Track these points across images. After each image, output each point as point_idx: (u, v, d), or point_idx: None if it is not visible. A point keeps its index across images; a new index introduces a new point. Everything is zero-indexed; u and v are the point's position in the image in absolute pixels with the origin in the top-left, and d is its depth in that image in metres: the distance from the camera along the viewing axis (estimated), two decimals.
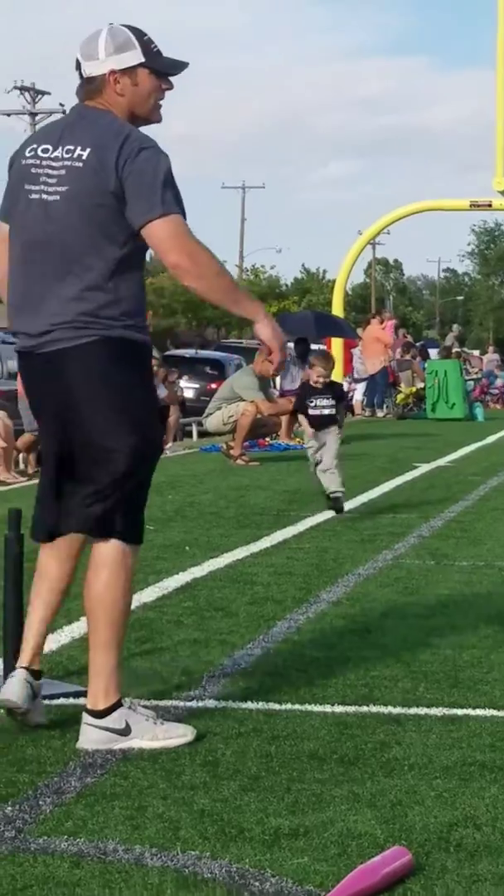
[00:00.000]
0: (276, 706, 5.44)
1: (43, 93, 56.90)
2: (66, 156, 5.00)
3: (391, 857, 3.71)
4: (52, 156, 5.03)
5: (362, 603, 7.74)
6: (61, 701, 5.56)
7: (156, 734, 4.95)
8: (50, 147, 5.06)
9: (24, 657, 5.21)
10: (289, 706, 5.48)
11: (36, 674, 5.19)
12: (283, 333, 5.16)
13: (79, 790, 4.44)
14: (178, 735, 4.97)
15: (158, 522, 11.17)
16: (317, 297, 75.28)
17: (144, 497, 5.21)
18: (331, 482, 11.50)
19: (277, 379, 23.31)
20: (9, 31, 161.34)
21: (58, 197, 4.99)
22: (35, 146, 5.11)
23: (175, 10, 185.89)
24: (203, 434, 23.93)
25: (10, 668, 5.69)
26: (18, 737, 5.05)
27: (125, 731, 4.95)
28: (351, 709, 5.42)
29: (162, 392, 22.95)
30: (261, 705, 5.50)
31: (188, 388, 29.95)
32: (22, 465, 18.57)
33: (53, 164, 5.02)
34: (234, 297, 5.12)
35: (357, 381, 32.34)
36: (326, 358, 12.52)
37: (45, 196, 5.01)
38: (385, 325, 33.95)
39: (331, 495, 11.48)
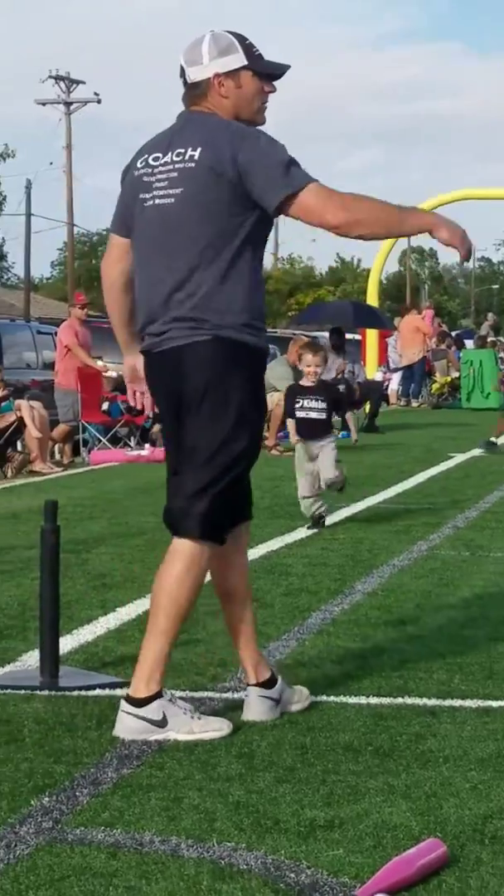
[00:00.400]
0: (312, 697, 5.45)
1: (78, 82, 56.92)
2: (176, 159, 5.05)
3: (426, 848, 3.73)
4: (163, 161, 5.09)
5: (397, 594, 7.75)
6: (97, 692, 5.59)
7: (192, 728, 4.97)
8: (160, 154, 5.12)
9: (249, 675, 5.26)
10: (324, 697, 5.49)
11: (267, 683, 5.24)
12: (458, 228, 5.15)
13: (115, 781, 4.47)
14: (214, 729, 4.99)
15: None
16: (351, 286, 75.17)
17: (231, 497, 5.20)
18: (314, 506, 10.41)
19: None
20: (43, 20, 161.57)
21: (172, 200, 5.04)
22: (146, 156, 5.17)
23: None
24: None
25: (45, 659, 5.73)
26: (55, 728, 5.08)
27: (162, 723, 4.97)
28: (386, 700, 5.43)
29: None
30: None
31: None
32: (58, 456, 18.63)
33: (164, 169, 5.08)
34: (400, 222, 5.13)
35: (393, 370, 32.29)
36: (316, 347, 10.98)
37: (158, 201, 5.08)
38: (424, 314, 33.90)
39: (315, 514, 10.42)
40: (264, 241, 5.16)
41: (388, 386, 30.83)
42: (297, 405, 10.37)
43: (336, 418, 10.88)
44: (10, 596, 7.68)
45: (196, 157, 5.00)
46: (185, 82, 5.22)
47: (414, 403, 31.57)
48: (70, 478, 15.85)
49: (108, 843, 3.89)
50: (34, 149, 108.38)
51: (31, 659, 6.06)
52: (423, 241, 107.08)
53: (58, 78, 56.38)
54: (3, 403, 17.16)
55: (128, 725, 5.00)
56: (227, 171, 4.95)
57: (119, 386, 22.27)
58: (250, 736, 4.97)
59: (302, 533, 10.16)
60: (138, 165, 5.18)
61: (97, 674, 5.92)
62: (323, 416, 10.34)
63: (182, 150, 5.04)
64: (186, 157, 5.02)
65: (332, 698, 5.48)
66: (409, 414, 28.07)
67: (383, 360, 32.25)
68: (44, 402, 17.99)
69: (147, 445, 19.06)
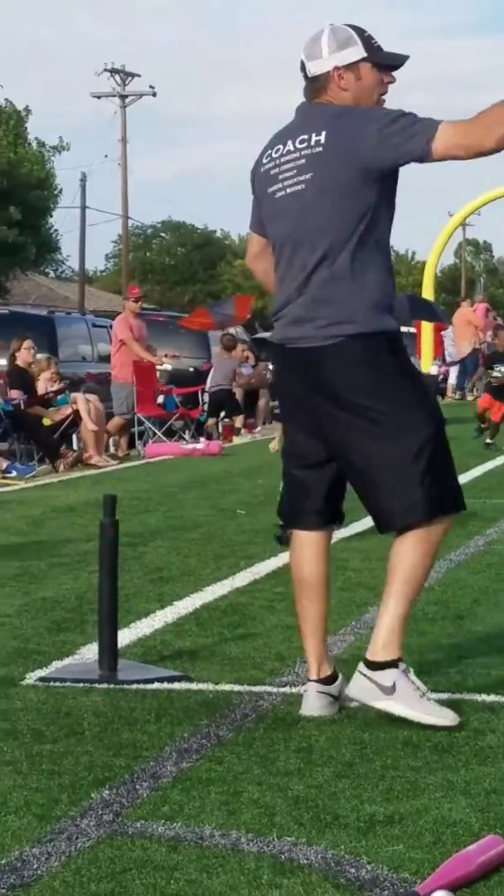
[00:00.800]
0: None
1: (133, 75, 56.97)
2: (301, 146, 5.09)
3: (486, 845, 3.72)
4: (286, 151, 5.12)
5: (454, 589, 7.73)
6: (155, 686, 5.61)
7: (418, 706, 5.00)
8: (281, 146, 5.16)
9: (311, 670, 5.29)
10: None
11: (327, 679, 5.26)
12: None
13: (175, 775, 4.48)
14: (439, 716, 5.01)
15: (249, 507, 11.23)
16: (406, 278, 74.97)
17: (446, 464, 5.14)
18: None
19: None
20: (99, 13, 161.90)
21: (302, 186, 5.08)
22: (269, 152, 5.21)
23: None
24: None
25: (104, 653, 5.77)
26: (114, 721, 5.10)
27: (389, 691, 5.01)
28: (444, 696, 5.41)
29: (248, 373, 23.02)
30: None
31: None
32: (113, 449, 18.70)
33: (290, 158, 5.11)
34: None
35: (449, 364, 32.21)
36: None
37: (289, 189, 5.11)
38: (476, 307, 33.77)
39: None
40: (391, 221, 5.15)
41: (444, 379, 30.74)
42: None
43: None
44: (67, 589, 7.73)
45: (322, 142, 5.02)
46: (305, 76, 5.24)
47: (469, 397, 31.47)
48: (125, 471, 15.91)
49: (169, 837, 3.91)
50: (89, 142, 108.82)
51: (90, 652, 6.09)
52: (479, 233, 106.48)
53: (113, 71, 56.43)
54: (58, 396, 17.24)
55: (359, 685, 5.08)
56: (355, 150, 4.97)
57: (174, 379, 22.36)
58: (309, 731, 4.98)
59: (358, 527, 10.13)
60: (264, 162, 5.22)
61: (155, 667, 5.94)
62: None
63: (306, 137, 5.07)
64: (312, 143, 5.04)
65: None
66: (464, 407, 27.96)
67: (439, 353, 32.15)
68: (99, 395, 18.07)
69: (202, 439, 19.12)
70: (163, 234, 76.39)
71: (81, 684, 5.64)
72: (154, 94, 56.95)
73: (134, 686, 5.62)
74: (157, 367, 20.05)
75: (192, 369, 24.79)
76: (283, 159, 5.13)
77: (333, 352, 5.02)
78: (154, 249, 76.84)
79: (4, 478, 14.44)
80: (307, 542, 5.31)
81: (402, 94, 5.68)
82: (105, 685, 5.63)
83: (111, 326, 20.45)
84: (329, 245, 5.02)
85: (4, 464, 14.99)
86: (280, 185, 5.14)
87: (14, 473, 14.74)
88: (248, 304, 24.43)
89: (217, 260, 72.72)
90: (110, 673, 5.75)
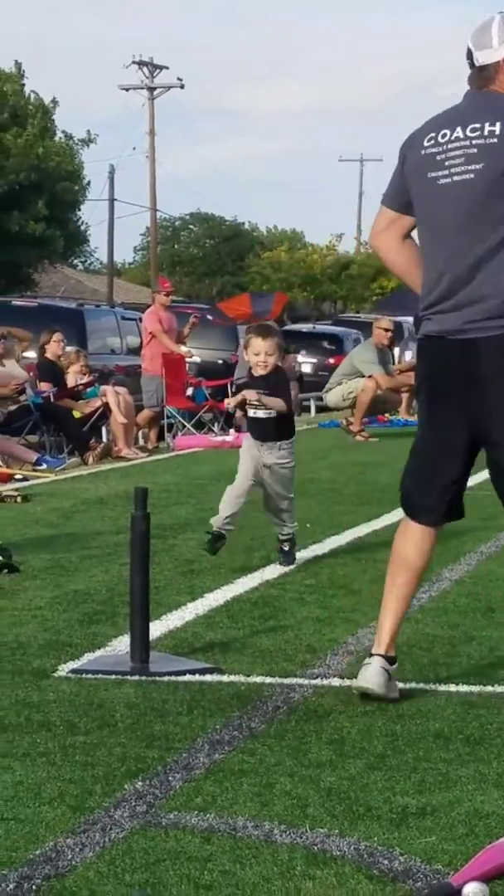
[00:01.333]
0: (401, 685, 5.46)
1: (161, 67, 57.03)
2: (472, 135, 5.07)
3: None
4: (454, 138, 5.11)
5: (485, 581, 7.73)
6: (186, 678, 5.63)
7: None
8: (448, 131, 5.13)
9: (381, 644, 5.30)
10: (413, 685, 5.50)
11: (391, 660, 5.29)
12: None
13: (207, 766, 4.50)
14: None
15: None
16: None
17: None
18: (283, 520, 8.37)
19: (396, 352, 23.25)
20: (127, 5, 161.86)
21: (472, 175, 5.05)
22: (432, 134, 5.18)
23: None
24: (322, 409, 23.94)
25: (135, 645, 5.78)
26: (146, 713, 5.12)
27: None
28: (475, 688, 5.42)
29: None
30: None
31: (306, 362, 29.94)
32: (142, 441, 18.73)
33: (459, 145, 5.09)
34: None
35: None
36: (265, 331, 8.54)
37: (456, 178, 5.09)
38: None
39: (282, 539, 8.37)
40: None
41: None
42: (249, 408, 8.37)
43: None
44: (98, 581, 7.75)
45: (497, 133, 5.00)
46: (471, 64, 5.23)
47: None
48: (155, 463, 15.92)
49: (202, 828, 3.93)
50: (117, 134, 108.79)
51: (121, 644, 6.11)
52: None
53: (141, 63, 56.52)
54: (88, 389, 17.27)
55: None
56: None
57: (203, 371, 22.38)
58: (341, 723, 4.99)
59: (388, 519, 10.13)
60: (426, 144, 5.19)
61: (187, 659, 5.96)
62: (268, 414, 8.22)
63: (478, 126, 5.05)
64: (485, 133, 5.03)
65: (421, 685, 5.49)
66: None
67: None
68: (129, 387, 18.10)
69: (231, 431, 19.11)
70: (191, 226, 76.39)
71: (113, 676, 5.66)
72: (182, 87, 57.04)
73: (166, 678, 5.64)
74: (187, 359, 20.06)
75: (221, 361, 24.81)
76: (450, 146, 5.09)
77: (498, 343, 5.00)
78: (182, 241, 76.85)
79: (35, 470, 14.48)
80: (423, 532, 5.34)
81: None
82: (137, 677, 5.65)
83: (140, 319, 20.46)
84: (500, 238, 4.99)
85: (34, 456, 15.02)
86: (446, 172, 5.09)
87: (44, 466, 14.77)
88: (283, 303, 24.46)
89: (245, 252, 72.65)
90: (142, 665, 5.77)
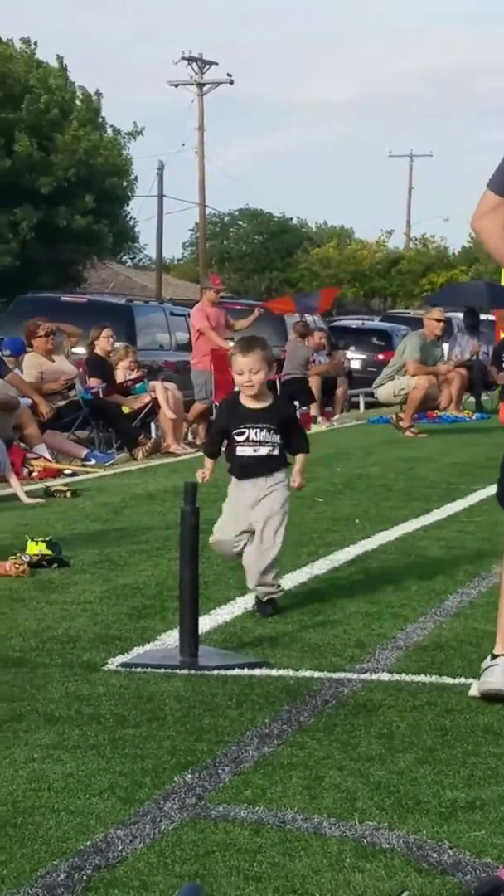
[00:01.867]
0: (450, 680, 5.46)
1: (210, 63, 57.11)
2: None
3: None
4: None
5: None
6: (235, 672, 5.65)
7: None
8: None
9: (502, 644, 5.28)
10: (462, 680, 5.49)
11: None
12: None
13: (256, 759, 4.52)
14: None
15: (327, 495, 11.24)
16: (485, 265, 74.47)
17: None
18: (261, 574, 6.77)
19: (446, 348, 23.19)
20: (176, 1, 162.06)
21: None
22: None
23: None
24: (371, 405, 23.92)
25: (185, 639, 5.80)
26: (196, 706, 5.14)
27: None
28: None
29: (323, 361, 23.00)
30: (434, 679, 5.53)
31: (355, 358, 29.90)
32: (190, 437, 18.76)
33: None
34: None
35: None
36: (247, 345, 6.84)
37: None
38: None
39: (261, 597, 6.84)
40: None
41: None
42: (240, 436, 6.82)
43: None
44: (147, 576, 7.78)
45: None
46: None
47: None
48: (203, 459, 15.93)
49: (252, 820, 3.95)
50: (166, 130, 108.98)
51: (171, 638, 6.14)
52: None
53: (190, 59, 56.60)
54: (137, 385, 17.32)
55: None
56: None
57: None
58: (389, 717, 5.00)
59: (437, 515, 10.14)
60: None
61: (235, 653, 5.98)
62: (273, 450, 6.83)
63: None
64: None
65: (470, 680, 5.47)
66: None
67: None
68: (178, 383, 18.13)
69: None
70: (240, 222, 76.40)
71: (163, 670, 5.69)
72: (231, 82, 57.06)
73: (215, 672, 5.66)
74: None
75: None
76: None
77: None
78: (231, 237, 76.90)
79: (84, 466, 14.53)
80: None
81: None
82: (186, 671, 5.67)
83: (189, 315, 20.50)
84: None
85: (84, 452, 15.09)
86: None
87: (93, 461, 14.83)
88: (332, 297, 24.37)
89: (294, 248, 72.62)
90: (191, 659, 5.79)
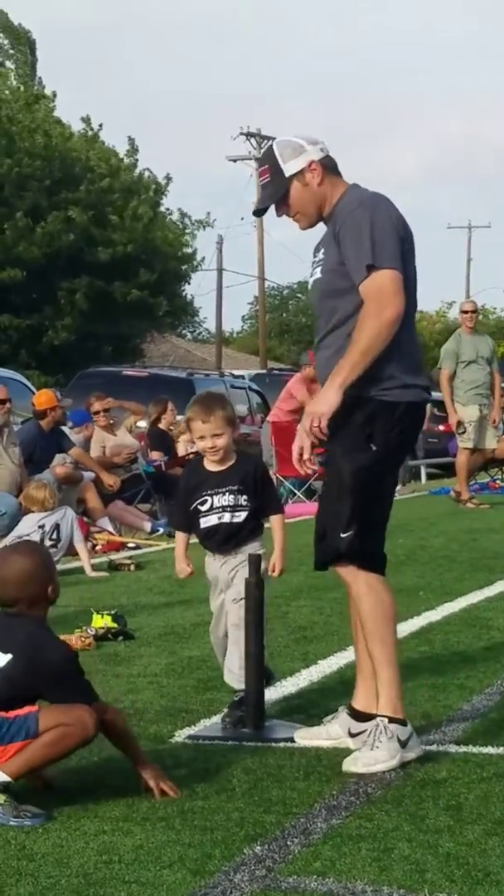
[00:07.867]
0: None
1: (269, 138, 57.46)
2: None
3: None
4: None
5: None
6: (302, 744, 5.66)
7: None
8: None
9: None
10: None
11: None
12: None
13: (325, 831, 4.53)
14: None
15: (390, 566, 11.20)
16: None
17: None
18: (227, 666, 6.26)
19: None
20: (235, 76, 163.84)
21: None
22: None
23: (387, 16, 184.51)
24: (432, 476, 23.88)
25: (251, 711, 5.81)
26: (263, 778, 5.16)
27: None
28: None
29: None
30: (501, 750, 5.52)
31: None
32: None
33: None
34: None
35: None
36: (206, 408, 6.20)
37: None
38: None
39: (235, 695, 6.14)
40: None
41: None
42: (203, 505, 6.23)
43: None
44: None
45: None
46: None
47: None
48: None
49: (322, 892, 3.96)
50: (225, 204, 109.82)
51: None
52: None
53: (249, 135, 57.14)
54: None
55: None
56: None
57: None
58: (457, 788, 4.99)
59: (502, 586, 10.10)
60: None
61: (301, 726, 5.98)
62: (243, 515, 6.29)
63: None
64: None
65: None
66: None
67: None
68: None
69: None
70: (299, 295, 76.72)
71: (230, 742, 5.71)
72: None
73: (281, 744, 5.68)
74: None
75: None
76: None
77: None
78: (290, 310, 77.23)
79: (148, 538, 14.60)
80: None
81: None
82: (253, 743, 5.69)
83: (248, 387, 20.60)
84: None
85: (147, 524, 15.14)
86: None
87: (161, 531, 14.86)
88: None
89: None
90: (257, 731, 5.81)
